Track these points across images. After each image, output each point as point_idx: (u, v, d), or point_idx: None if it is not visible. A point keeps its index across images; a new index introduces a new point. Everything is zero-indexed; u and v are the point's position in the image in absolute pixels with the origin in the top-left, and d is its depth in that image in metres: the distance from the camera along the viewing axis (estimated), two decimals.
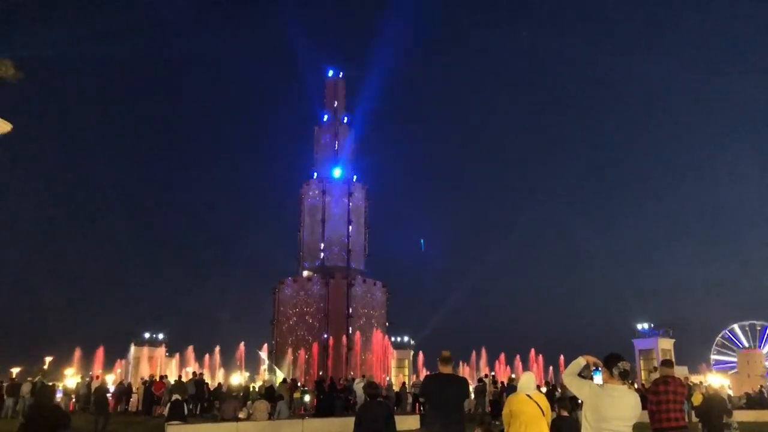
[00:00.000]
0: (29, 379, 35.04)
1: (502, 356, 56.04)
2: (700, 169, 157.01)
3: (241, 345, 52.38)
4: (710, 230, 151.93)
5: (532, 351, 55.83)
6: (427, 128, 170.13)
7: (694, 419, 18.61)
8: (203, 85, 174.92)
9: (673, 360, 14.94)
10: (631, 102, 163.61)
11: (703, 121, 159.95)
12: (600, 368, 6.29)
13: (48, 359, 60.76)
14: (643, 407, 7.18)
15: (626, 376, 6.02)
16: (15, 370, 53.96)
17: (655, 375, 25.99)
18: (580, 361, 6.44)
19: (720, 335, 71.21)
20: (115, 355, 52.32)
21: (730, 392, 36.06)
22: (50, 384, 32.96)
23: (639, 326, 50.49)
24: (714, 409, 15.75)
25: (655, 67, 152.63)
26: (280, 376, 47.89)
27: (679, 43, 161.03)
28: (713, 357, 69.93)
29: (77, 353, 50.34)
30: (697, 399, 17.02)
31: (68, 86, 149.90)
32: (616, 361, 6.01)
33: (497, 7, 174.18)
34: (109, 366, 50.34)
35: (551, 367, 56.07)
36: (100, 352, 47.52)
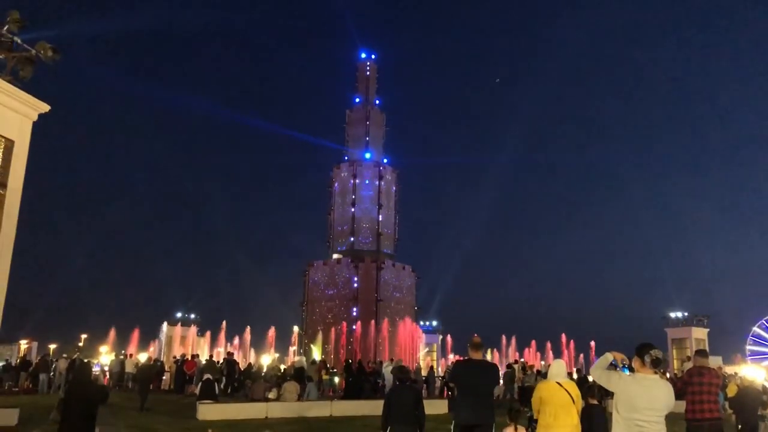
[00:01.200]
0: (64, 355, 35.98)
1: (533, 343, 56.14)
2: (738, 151, 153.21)
3: (272, 328, 53.36)
4: (747, 215, 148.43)
5: (563, 336, 55.81)
6: (460, 111, 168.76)
7: (728, 411, 18.28)
8: (232, 68, 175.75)
9: (707, 350, 14.62)
10: (664, 86, 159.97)
11: (736, 105, 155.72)
12: (627, 366, 6.19)
13: (83, 336, 62.28)
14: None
15: (658, 364, 5.92)
16: (52, 347, 55.49)
17: (689, 365, 25.60)
18: (608, 357, 6.39)
19: (756, 325, 69.69)
20: (148, 334, 53.44)
21: (767, 384, 35.31)
22: (87, 360, 33.81)
23: (672, 315, 49.69)
24: (749, 400, 15.46)
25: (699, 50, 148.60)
26: (314, 353, 48.51)
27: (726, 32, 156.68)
28: (749, 347, 68.55)
29: (112, 332, 51.61)
30: (731, 390, 16.74)
31: (96, 72, 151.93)
32: (648, 349, 5.91)
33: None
34: (142, 345, 51.44)
35: (582, 355, 56.02)
36: (135, 333, 48.68)
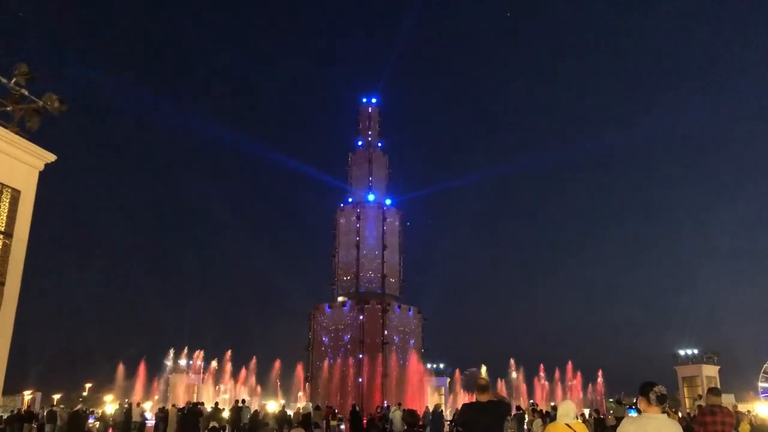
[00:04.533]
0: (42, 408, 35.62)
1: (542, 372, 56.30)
2: (748, 187, 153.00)
3: (277, 364, 53.27)
4: (757, 250, 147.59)
5: (569, 365, 56.12)
6: (463, 150, 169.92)
7: None
8: (240, 111, 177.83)
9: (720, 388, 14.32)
10: (672, 126, 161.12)
11: (745, 143, 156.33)
12: (633, 407, 6.16)
13: (88, 385, 61.71)
14: None
15: (664, 400, 5.88)
16: (56, 397, 54.96)
17: (700, 403, 25.20)
18: None
19: None
20: (153, 381, 53.06)
21: None
22: (83, 410, 33.84)
23: (681, 352, 48.98)
24: None
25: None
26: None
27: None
28: (761, 384, 67.46)
29: (117, 379, 51.31)
30: (744, 429, 16.45)
31: (104, 121, 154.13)
32: (651, 386, 5.89)
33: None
34: (146, 392, 50.92)
35: (590, 385, 56.05)
36: (139, 382, 48.40)
